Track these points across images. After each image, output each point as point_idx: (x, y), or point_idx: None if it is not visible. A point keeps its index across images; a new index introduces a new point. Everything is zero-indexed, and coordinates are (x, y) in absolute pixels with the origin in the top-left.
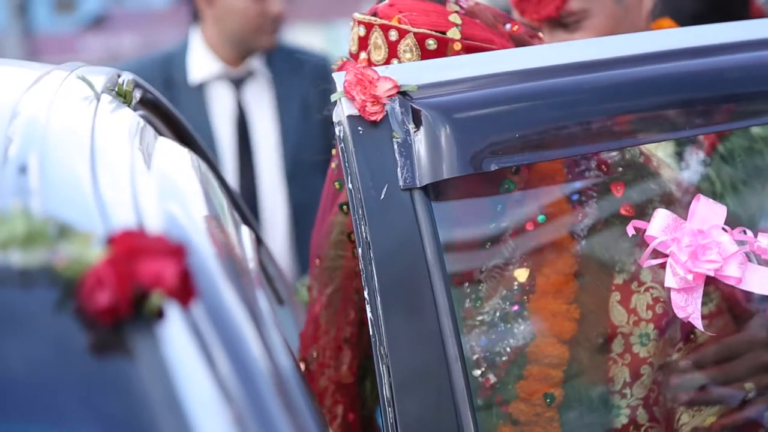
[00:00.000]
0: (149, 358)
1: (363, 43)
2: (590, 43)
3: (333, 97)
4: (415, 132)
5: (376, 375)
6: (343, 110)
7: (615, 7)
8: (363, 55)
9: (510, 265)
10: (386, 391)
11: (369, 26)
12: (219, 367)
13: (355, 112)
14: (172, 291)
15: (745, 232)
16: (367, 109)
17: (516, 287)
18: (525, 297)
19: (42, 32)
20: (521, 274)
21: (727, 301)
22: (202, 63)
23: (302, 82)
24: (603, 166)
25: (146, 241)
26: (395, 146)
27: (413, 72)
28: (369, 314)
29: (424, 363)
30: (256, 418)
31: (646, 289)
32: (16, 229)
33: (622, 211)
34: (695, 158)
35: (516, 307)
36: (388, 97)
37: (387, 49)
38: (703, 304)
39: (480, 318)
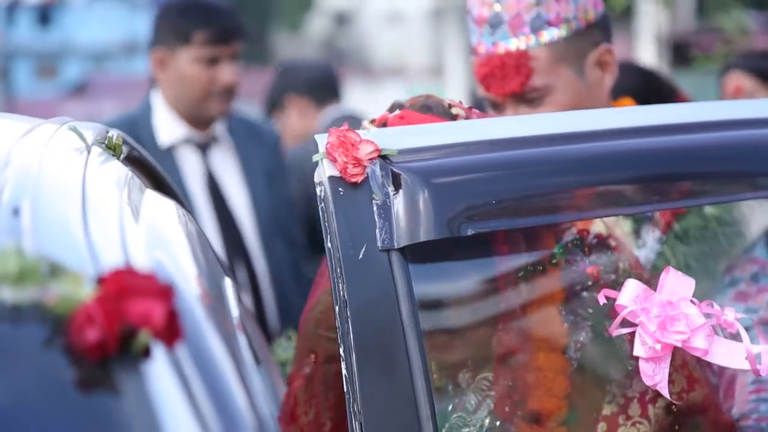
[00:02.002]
0: (134, 394)
1: None
2: (570, 116)
3: (315, 158)
4: (394, 195)
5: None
6: (324, 171)
7: (578, 83)
8: None
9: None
10: None
11: None
12: (201, 406)
13: (336, 173)
14: (159, 331)
15: (712, 305)
16: (348, 170)
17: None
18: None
19: (23, 97)
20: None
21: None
22: (168, 126)
23: (262, 151)
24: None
25: (136, 280)
26: (375, 208)
27: (394, 137)
28: (344, 371)
29: (396, 421)
30: None
31: (633, 424)
32: (8, 267)
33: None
34: (651, 236)
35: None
36: (369, 160)
37: None
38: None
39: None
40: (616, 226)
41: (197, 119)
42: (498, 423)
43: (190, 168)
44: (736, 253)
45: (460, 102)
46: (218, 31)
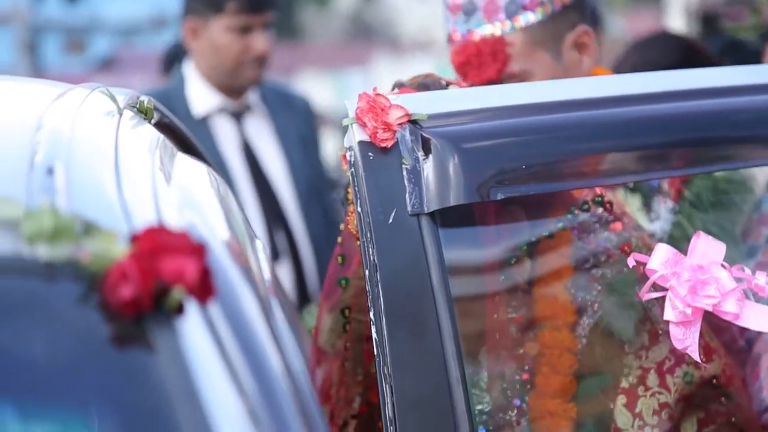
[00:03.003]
0: (168, 351)
1: None
2: (602, 80)
3: (344, 123)
4: (424, 159)
5: (379, 395)
6: (354, 136)
7: (555, 66)
8: None
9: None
10: (389, 411)
11: None
12: (234, 364)
13: (366, 138)
14: (193, 287)
15: (743, 270)
16: (378, 135)
17: (518, 383)
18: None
19: (51, 71)
20: (531, 348)
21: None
22: (201, 96)
23: (294, 118)
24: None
25: (169, 238)
26: (404, 173)
27: (424, 102)
28: (374, 335)
29: (426, 384)
30: (268, 411)
31: (653, 395)
32: (43, 224)
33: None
34: (664, 207)
35: (516, 401)
36: (399, 124)
37: None
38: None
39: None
40: (625, 204)
41: (230, 88)
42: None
43: (226, 137)
44: (748, 211)
45: (459, 80)
46: (250, 0)
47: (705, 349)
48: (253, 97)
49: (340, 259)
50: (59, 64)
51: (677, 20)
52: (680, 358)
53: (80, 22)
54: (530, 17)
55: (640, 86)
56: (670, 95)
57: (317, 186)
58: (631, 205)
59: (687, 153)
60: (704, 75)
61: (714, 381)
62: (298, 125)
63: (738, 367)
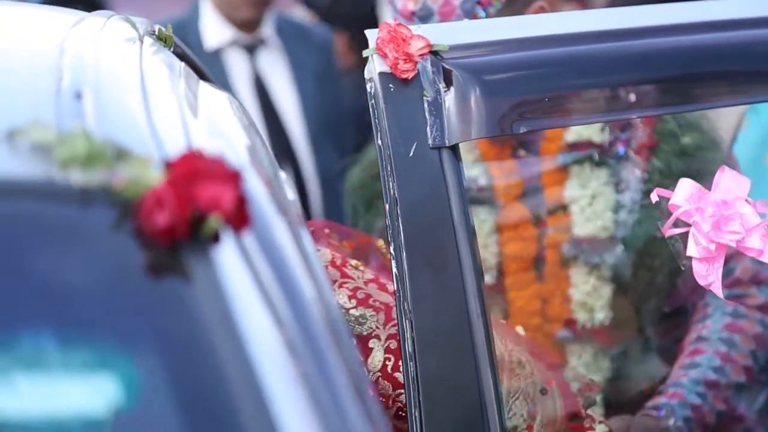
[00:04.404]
0: (204, 280)
1: None
2: (625, 12)
3: (365, 53)
4: (445, 91)
5: (399, 331)
6: (374, 67)
7: None
8: None
9: None
10: (408, 346)
11: None
12: (269, 292)
13: (386, 69)
14: (229, 216)
15: None
16: (399, 66)
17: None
18: None
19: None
20: None
21: None
22: (214, 29)
23: (311, 53)
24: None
25: (205, 164)
26: (425, 105)
27: (446, 32)
28: (394, 269)
29: (446, 318)
30: (304, 341)
31: None
32: (76, 149)
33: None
34: (633, 177)
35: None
36: (421, 55)
37: None
38: None
39: None
40: (591, 181)
41: (240, 21)
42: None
43: (238, 70)
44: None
45: None
46: None
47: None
48: (267, 30)
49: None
50: None
51: None
52: None
53: None
54: (489, 10)
55: (668, 17)
56: (697, 26)
57: (331, 123)
58: (598, 178)
59: (710, 85)
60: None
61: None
62: (314, 59)
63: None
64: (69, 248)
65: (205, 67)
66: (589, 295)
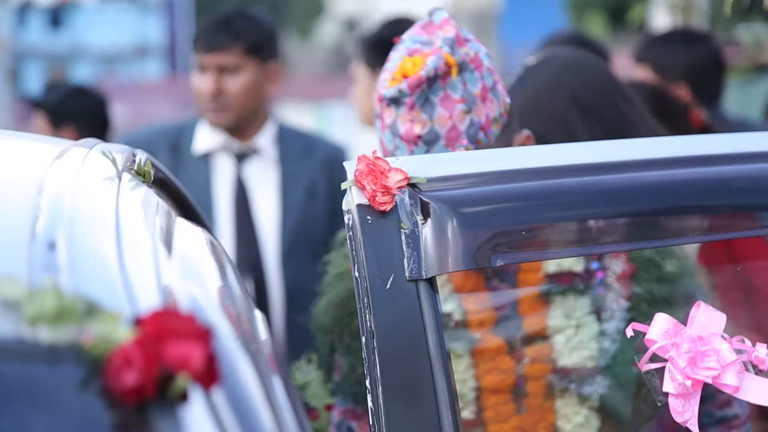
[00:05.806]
0: None
1: None
2: (603, 145)
3: (343, 186)
4: (423, 224)
5: None
6: (353, 199)
7: None
8: None
9: None
10: None
11: None
12: None
13: (364, 201)
14: (198, 374)
15: (743, 341)
16: (377, 198)
17: None
18: None
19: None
20: None
21: None
22: (207, 134)
23: (313, 167)
24: None
25: (175, 322)
26: (403, 237)
27: (423, 165)
28: (369, 403)
29: None
30: None
31: None
32: (46, 306)
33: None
34: (617, 306)
35: None
36: (399, 188)
37: None
38: None
39: None
40: (582, 328)
41: (230, 128)
42: None
43: (222, 175)
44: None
45: None
46: (204, 39)
47: None
48: (264, 140)
49: None
50: (41, 91)
51: None
52: None
53: (62, 49)
54: (490, 135)
55: (645, 151)
56: (677, 161)
57: (312, 233)
58: (581, 309)
59: (692, 220)
60: (707, 142)
61: None
62: (313, 173)
63: None
64: (35, 408)
65: (192, 170)
66: (581, 427)
